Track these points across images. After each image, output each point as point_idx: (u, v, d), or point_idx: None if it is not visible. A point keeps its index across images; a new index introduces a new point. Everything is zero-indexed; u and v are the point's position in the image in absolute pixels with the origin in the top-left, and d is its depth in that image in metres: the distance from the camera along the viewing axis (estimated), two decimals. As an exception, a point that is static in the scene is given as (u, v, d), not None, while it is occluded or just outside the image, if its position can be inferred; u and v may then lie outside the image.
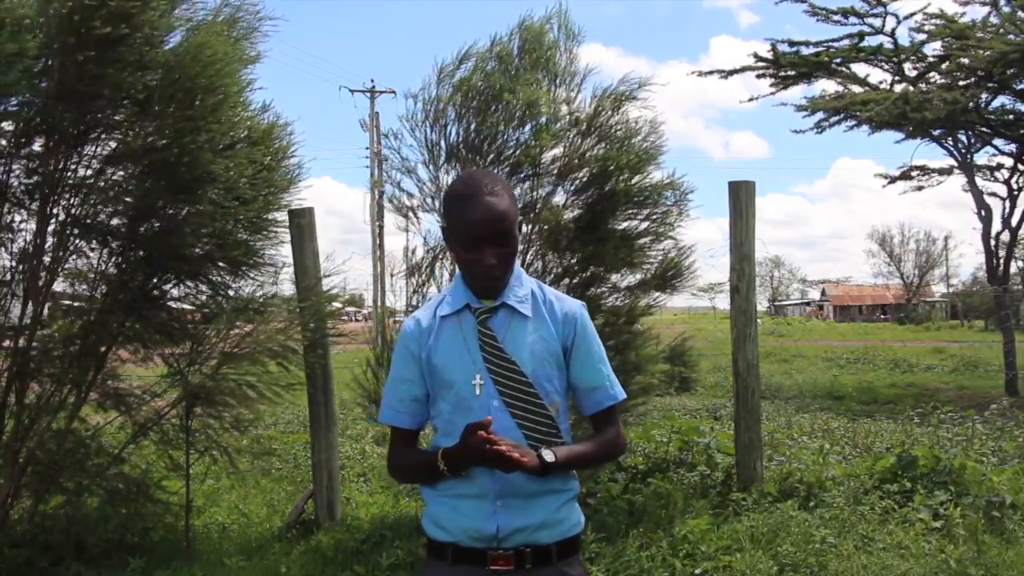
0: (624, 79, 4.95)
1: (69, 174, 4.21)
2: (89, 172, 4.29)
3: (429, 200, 4.87)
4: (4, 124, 4.11)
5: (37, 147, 4.19)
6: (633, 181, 4.85)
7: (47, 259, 4.26)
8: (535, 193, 4.88)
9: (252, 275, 4.76)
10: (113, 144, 4.27)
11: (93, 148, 4.28)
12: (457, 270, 1.99)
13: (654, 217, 4.96)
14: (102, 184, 4.29)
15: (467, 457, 1.80)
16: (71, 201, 4.26)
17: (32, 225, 4.26)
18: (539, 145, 4.70)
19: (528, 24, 4.89)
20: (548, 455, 1.80)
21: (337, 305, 5.56)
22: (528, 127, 4.77)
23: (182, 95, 4.00)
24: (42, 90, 3.96)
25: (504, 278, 1.90)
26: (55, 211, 4.22)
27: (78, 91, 3.91)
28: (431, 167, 4.85)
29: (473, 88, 4.73)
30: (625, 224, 4.97)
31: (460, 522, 1.86)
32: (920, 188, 17.54)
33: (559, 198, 4.94)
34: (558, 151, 4.87)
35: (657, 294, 5.11)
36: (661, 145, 4.95)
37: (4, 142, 4.13)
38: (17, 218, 4.34)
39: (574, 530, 1.93)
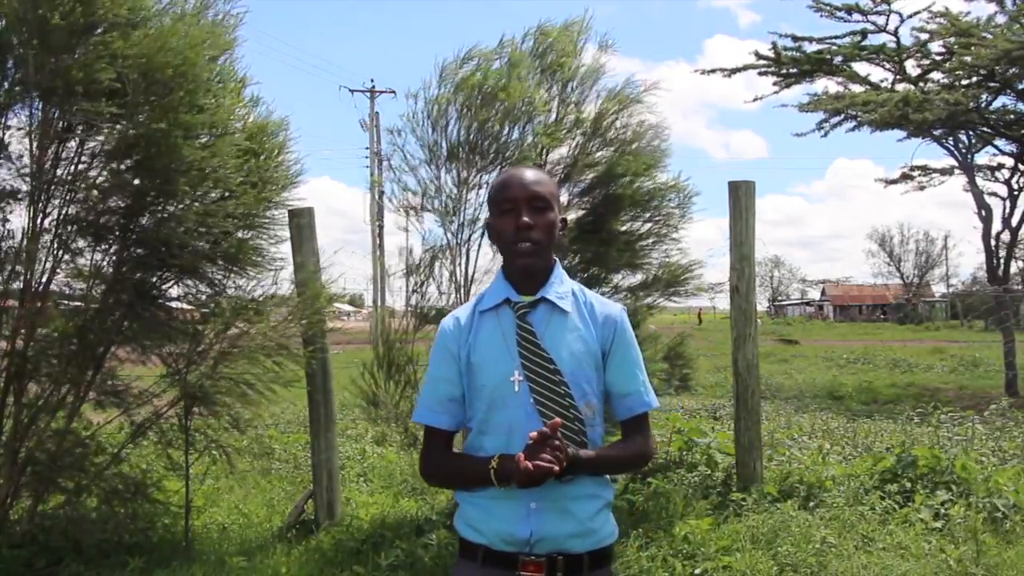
0: (629, 81, 4.99)
1: (58, 171, 4.15)
2: (77, 169, 4.22)
3: (430, 199, 4.87)
4: None
5: (20, 144, 4.14)
6: (637, 184, 4.86)
7: (42, 257, 4.24)
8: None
9: (251, 273, 4.73)
10: (101, 138, 4.19)
11: (78, 144, 4.20)
12: (497, 268, 1.98)
13: (657, 219, 4.96)
14: (90, 181, 4.23)
15: (513, 473, 1.74)
16: (64, 198, 4.21)
17: (23, 223, 4.21)
18: (543, 144, 4.69)
19: (546, 28, 4.88)
20: (571, 450, 1.76)
21: (338, 306, 5.53)
22: (530, 127, 4.76)
23: (157, 86, 3.89)
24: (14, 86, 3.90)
25: (542, 251, 1.89)
26: (47, 209, 4.18)
27: (53, 85, 3.83)
28: (432, 166, 4.84)
29: (475, 87, 4.71)
30: (628, 226, 4.98)
31: (493, 525, 1.84)
32: (922, 188, 17.59)
33: (563, 199, 4.95)
34: (563, 151, 4.86)
35: (658, 296, 5.11)
36: (666, 149, 5.01)
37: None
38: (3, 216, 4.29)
39: (607, 540, 1.90)
